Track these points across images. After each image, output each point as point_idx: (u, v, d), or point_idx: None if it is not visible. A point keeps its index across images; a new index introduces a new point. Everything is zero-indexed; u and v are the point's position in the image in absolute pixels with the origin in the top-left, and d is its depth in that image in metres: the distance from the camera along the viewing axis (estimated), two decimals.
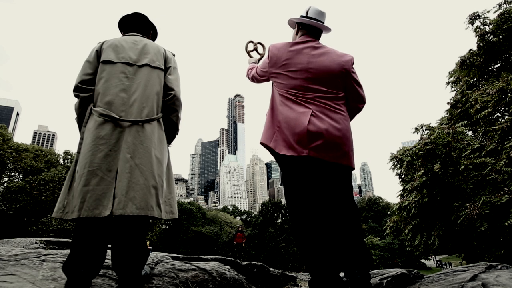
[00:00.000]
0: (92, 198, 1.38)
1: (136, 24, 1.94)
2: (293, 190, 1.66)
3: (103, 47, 1.70)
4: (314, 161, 1.62)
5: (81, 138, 1.55)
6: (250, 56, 2.47)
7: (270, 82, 1.97)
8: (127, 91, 1.60)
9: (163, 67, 1.78)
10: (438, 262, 50.02)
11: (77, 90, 1.62)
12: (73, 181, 1.49)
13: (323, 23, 1.90)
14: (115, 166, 1.47)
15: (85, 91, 1.60)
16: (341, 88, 1.79)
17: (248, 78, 2.20)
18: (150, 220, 1.58)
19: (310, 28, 1.89)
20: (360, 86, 1.86)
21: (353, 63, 1.83)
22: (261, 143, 1.81)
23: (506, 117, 6.36)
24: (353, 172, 1.83)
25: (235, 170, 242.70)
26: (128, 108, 1.57)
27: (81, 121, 1.62)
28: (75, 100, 1.64)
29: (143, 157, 1.52)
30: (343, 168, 1.69)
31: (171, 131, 1.81)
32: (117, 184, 1.43)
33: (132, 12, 1.95)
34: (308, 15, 1.88)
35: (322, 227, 1.59)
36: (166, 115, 1.76)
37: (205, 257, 2.22)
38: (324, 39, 1.98)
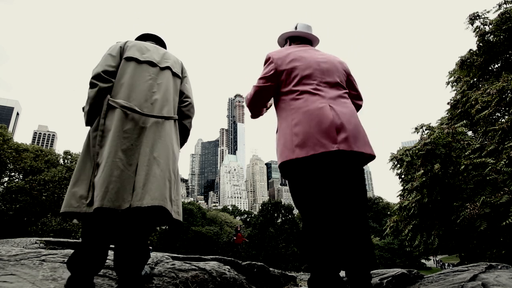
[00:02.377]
0: (114, 189, 1.39)
1: (155, 39, 2.04)
2: (315, 190, 1.54)
3: (127, 45, 1.75)
4: (343, 155, 1.57)
5: (101, 130, 1.53)
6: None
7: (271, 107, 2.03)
8: (150, 89, 1.65)
9: (180, 75, 1.89)
10: (440, 263, 49.89)
11: (98, 78, 1.60)
12: (83, 173, 1.49)
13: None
14: (136, 160, 1.50)
15: (106, 81, 1.61)
16: (345, 84, 1.86)
17: (248, 103, 1.93)
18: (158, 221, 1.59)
19: (302, 39, 1.99)
20: (357, 85, 1.96)
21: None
22: (283, 163, 1.63)
23: (507, 117, 6.36)
24: None
25: (235, 170, 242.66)
26: (150, 105, 1.62)
27: (93, 111, 1.60)
28: (90, 89, 1.59)
29: (161, 151, 1.55)
30: (366, 158, 1.70)
31: (183, 136, 1.89)
32: (136, 177, 1.46)
33: (152, 33, 2.07)
34: (297, 30, 1.98)
35: (337, 225, 1.55)
36: (180, 120, 1.84)
37: (205, 257, 2.22)
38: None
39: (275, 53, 1.85)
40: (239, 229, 14.77)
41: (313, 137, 1.54)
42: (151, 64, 1.72)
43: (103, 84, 1.59)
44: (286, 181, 1.70)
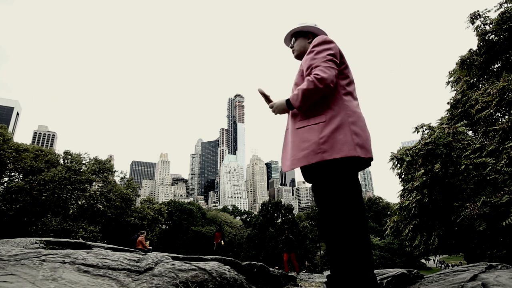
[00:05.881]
0: None
1: None
2: (354, 192, 1.53)
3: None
4: (370, 160, 1.67)
5: None
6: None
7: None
8: None
9: None
10: (443, 263, 49.77)
11: None
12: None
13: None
14: None
15: None
16: None
17: (329, 80, 1.56)
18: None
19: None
20: None
21: None
22: (343, 159, 1.50)
23: (507, 117, 6.35)
24: None
25: (235, 170, 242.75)
26: None
27: None
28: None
29: None
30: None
31: None
32: None
33: None
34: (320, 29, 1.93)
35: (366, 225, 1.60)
36: None
37: (205, 257, 2.22)
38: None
39: (333, 40, 1.71)
40: (217, 228, 14.00)
41: (368, 141, 1.61)
42: None
43: None
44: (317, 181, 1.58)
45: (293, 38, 1.97)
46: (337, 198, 1.51)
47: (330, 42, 1.68)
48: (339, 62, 1.66)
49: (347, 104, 1.60)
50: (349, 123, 1.55)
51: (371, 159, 1.64)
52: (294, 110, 1.68)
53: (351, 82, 1.71)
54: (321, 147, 1.50)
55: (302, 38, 1.92)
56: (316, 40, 1.71)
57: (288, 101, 1.65)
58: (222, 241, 13.50)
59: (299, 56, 1.94)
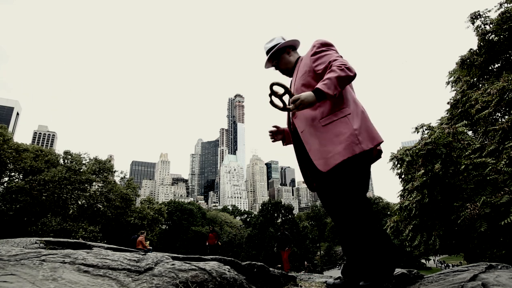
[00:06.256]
0: None
1: None
2: (366, 183, 1.66)
3: None
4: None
5: None
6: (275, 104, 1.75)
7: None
8: None
9: None
10: (443, 263, 49.73)
11: None
12: None
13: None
14: None
15: None
16: None
17: (354, 70, 1.61)
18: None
19: (294, 47, 2.05)
20: None
21: None
22: (364, 152, 1.57)
23: (507, 117, 6.36)
24: None
25: (235, 170, 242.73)
26: None
27: None
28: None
29: None
30: None
31: None
32: None
33: None
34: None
35: None
36: None
37: (205, 257, 2.22)
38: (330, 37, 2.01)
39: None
40: (210, 229, 13.63)
41: (371, 128, 1.67)
42: None
43: None
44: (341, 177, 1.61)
45: (274, 61, 2.00)
46: (361, 186, 1.62)
47: (332, 44, 1.80)
48: None
49: (354, 96, 1.74)
50: (364, 113, 1.68)
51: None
52: (310, 108, 1.62)
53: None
54: (359, 138, 1.55)
55: (283, 54, 1.98)
56: (319, 41, 1.80)
57: (318, 90, 1.51)
58: (218, 242, 13.24)
59: (287, 71, 1.99)
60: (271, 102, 1.71)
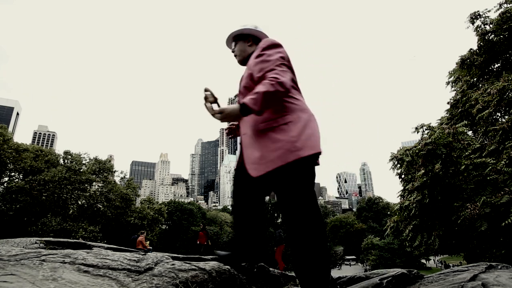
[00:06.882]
0: None
1: None
2: (305, 189, 1.55)
3: None
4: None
5: None
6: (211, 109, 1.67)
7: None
8: None
9: None
10: (441, 263, 49.73)
11: None
12: None
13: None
14: None
15: None
16: None
17: (288, 84, 1.56)
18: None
19: (258, 40, 1.89)
20: None
21: None
22: (316, 154, 1.55)
23: (507, 117, 6.36)
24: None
25: None
26: None
27: None
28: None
29: None
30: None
31: None
32: None
33: None
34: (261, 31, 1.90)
35: None
36: None
37: (205, 257, 2.22)
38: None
39: (279, 42, 1.71)
40: (201, 227, 13.43)
41: (317, 133, 1.65)
42: None
43: None
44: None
45: (233, 42, 1.92)
46: (308, 196, 1.52)
47: (279, 45, 1.67)
48: (288, 65, 1.65)
49: (300, 102, 1.64)
50: (309, 121, 1.59)
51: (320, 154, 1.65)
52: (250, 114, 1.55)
53: (297, 82, 1.73)
54: (296, 145, 1.50)
55: (242, 41, 1.87)
56: (265, 43, 1.68)
57: (243, 106, 1.46)
58: (209, 242, 13.05)
59: (242, 61, 1.88)
60: (205, 105, 1.65)
